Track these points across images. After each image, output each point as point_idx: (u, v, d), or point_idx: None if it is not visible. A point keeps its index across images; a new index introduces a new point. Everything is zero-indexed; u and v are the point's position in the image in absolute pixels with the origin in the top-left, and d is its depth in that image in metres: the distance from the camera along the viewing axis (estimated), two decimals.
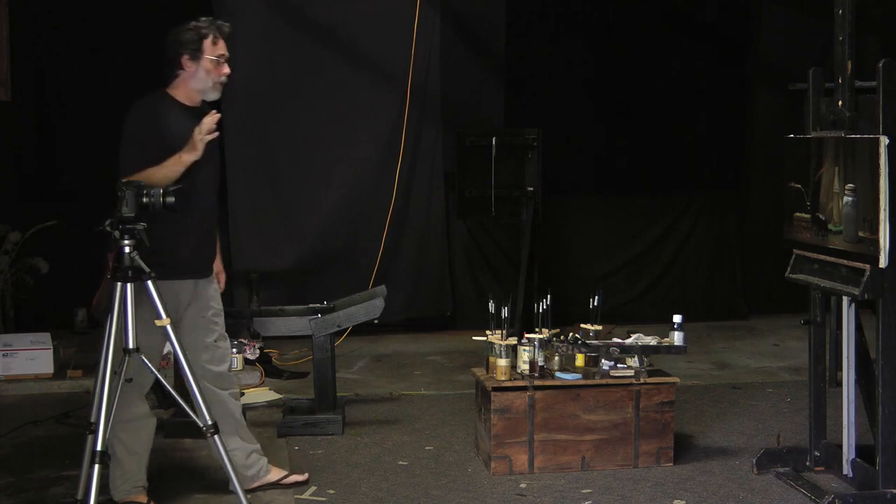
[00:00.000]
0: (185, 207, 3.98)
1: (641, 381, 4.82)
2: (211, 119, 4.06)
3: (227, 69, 4.24)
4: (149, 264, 3.90)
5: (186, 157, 4.06)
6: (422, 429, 5.48)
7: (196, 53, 4.17)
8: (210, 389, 4.28)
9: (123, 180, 3.95)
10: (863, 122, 4.23)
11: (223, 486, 4.44)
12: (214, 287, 4.42)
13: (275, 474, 4.58)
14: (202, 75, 4.20)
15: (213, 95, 4.27)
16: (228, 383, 4.45)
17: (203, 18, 4.25)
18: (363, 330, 6.70)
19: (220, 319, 4.42)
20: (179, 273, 4.19)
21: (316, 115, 7.63)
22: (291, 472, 4.64)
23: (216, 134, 4.10)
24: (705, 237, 8.50)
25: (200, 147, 4.05)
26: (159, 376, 4.18)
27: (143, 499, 4.30)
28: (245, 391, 6.20)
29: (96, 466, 3.77)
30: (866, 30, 7.04)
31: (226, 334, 4.47)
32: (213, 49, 4.19)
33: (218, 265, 4.55)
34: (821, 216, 4.41)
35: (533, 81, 8.09)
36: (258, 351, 6.71)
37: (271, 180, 7.70)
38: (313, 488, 4.60)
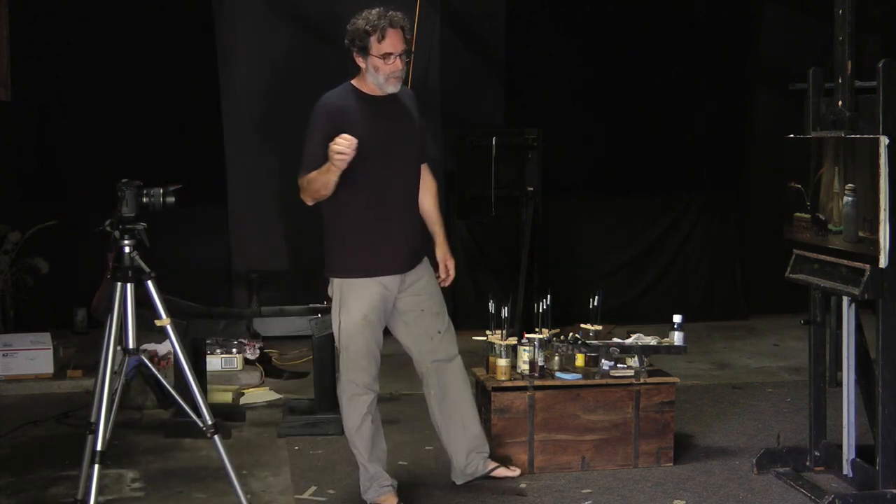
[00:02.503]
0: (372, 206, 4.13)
1: (641, 381, 4.82)
2: (348, 142, 3.95)
3: (397, 65, 4.12)
4: (349, 265, 4.14)
5: (334, 169, 3.99)
6: (422, 429, 5.47)
7: (364, 51, 4.12)
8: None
9: (300, 178, 4.09)
10: (863, 122, 4.23)
11: (223, 486, 4.45)
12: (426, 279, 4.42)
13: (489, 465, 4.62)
14: (372, 71, 4.15)
15: (390, 89, 4.19)
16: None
17: (377, 10, 4.13)
18: None
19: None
20: (376, 270, 4.21)
21: None
22: (500, 465, 4.64)
23: (344, 156, 3.95)
24: (705, 237, 8.49)
25: (338, 165, 3.96)
26: (159, 376, 4.19)
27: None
28: (245, 391, 6.20)
29: (96, 466, 3.78)
30: (866, 30, 7.03)
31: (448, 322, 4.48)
32: (380, 47, 4.09)
33: (440, 253, 4.52)
34: (821, 216, 4.41)
35: (533, 81, 8.09)
36: (258, 351, 6.71)
37: (271, 180, 7.69)
38: (313, 488, 4.61)
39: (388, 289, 4.25)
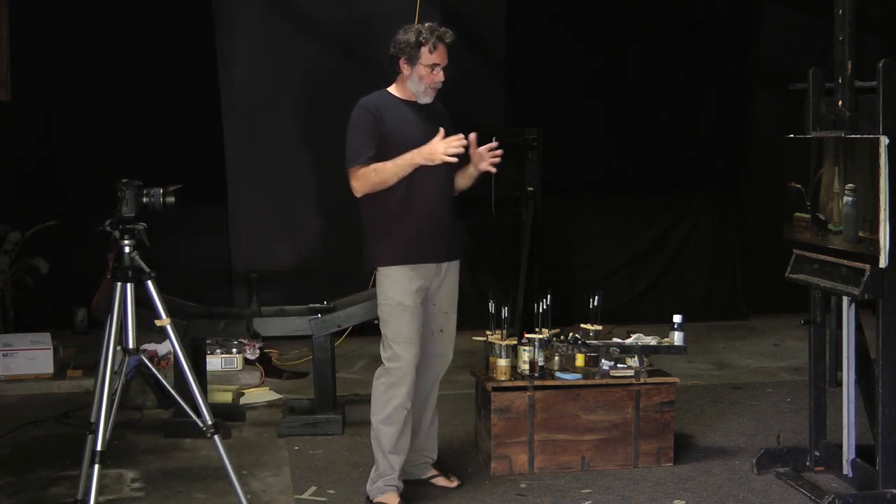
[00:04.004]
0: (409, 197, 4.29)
1: (641, 381, 4.82)
2: (459, 141, 4.20)
3: (440, 76, 4.36)
4: (381, 253, 4.28)
5: (419, 159, 4.23)
6: None
7: (413, 59, 4.33)
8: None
9: (350, 169, 4.27)
10: (863, 122, 4.23)
11: (223, 486, 4.45)
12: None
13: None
14: (416, 79, 4.36)
15: (426, 99, 4.41)
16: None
17: (428, 24, 4.37)
18: (363, 330, 6.70)
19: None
20: (411, 259, 4.34)
21: (316, 115, 7.63)
22: (441, 475, 4.67)
23: (454, 159, 4.23)
24: (705, 237, 8.50)
25: (437, 160, 4.20)
26: (159, 376, 4.19)
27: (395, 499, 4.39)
28: (245, 391, 6.20)
29: (96, 466, 3.78)
30: (866, 30, 7.02)
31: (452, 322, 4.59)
32: (430, 57, 4.32)
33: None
34: (821, 216, 4.41)
35: (533, 81, 8.09)
36: (258, 351, 6.71)
37: (271, 180, 7.69)
38: (313, 488, 4.61)
39: (424, 277, 4.38)
